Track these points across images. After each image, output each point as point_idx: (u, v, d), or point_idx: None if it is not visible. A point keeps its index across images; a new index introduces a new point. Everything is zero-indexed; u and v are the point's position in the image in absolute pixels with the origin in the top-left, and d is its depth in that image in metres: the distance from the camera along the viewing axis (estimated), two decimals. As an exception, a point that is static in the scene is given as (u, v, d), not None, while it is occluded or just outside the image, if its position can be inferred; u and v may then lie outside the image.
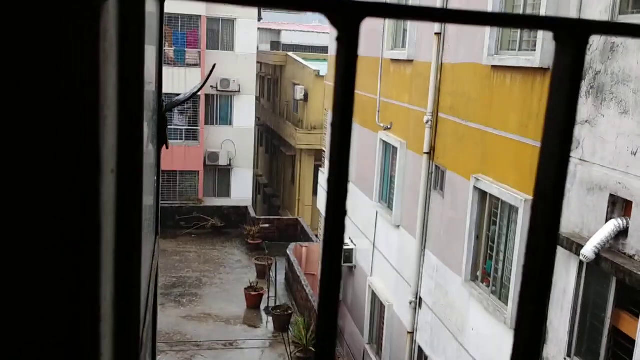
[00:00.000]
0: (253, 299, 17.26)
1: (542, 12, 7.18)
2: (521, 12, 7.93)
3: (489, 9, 8.37)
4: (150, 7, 1.25)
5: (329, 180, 0.45)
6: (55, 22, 0.41)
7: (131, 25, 0.60)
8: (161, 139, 1.57)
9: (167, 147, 1.63)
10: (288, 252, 18.92)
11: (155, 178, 1.57)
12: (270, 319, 16.48)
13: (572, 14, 6.62)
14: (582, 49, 0.47)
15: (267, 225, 22.63)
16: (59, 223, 0.43)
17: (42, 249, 0.44)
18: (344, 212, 0.46)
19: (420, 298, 10.72)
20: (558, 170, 0.49)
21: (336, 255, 0.47)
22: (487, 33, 8.42)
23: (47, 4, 0.41)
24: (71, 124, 0.42)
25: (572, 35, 0.46)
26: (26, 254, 0.44)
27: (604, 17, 6.18)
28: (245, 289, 17.48)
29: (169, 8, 23.98)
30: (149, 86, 1.33)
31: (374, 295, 12.99)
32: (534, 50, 7.47)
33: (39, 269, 0.45)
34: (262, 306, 17.33)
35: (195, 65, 24.79)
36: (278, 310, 16.30)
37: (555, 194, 0.48)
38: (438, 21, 0.44)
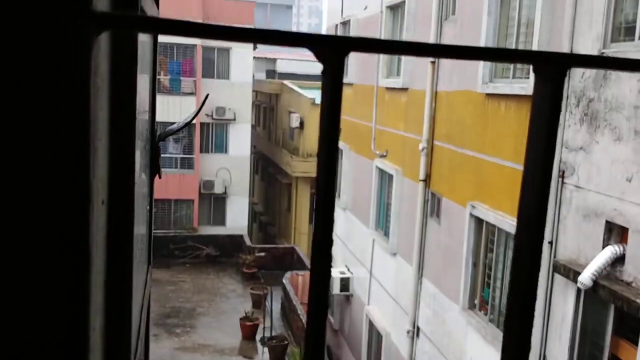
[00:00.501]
0: (248, 330, 17.06)
1: (535, 40, 7.29)
2: (514, 40, 8.05)
3: (482, 37, 8.50)
4: (144, 36, 1.27)
5: (316, 211, 0.45)
6: (46, 56, 0.42)
7: (123, 59, 0.61)
8: (154, 169, 1.58)
9: (159, 177, 1.64)
10: (284, 281, 18.79)
11: (148, 207, 1.57)
12: (266, 349, 16.26)
13: (565, 42, 6.73)
14: (560, 82, 0.48)
15: (262, 254, 22.51)
16: (48, 253, 0.44)
17: (29, 279, 0.44)
18: (330, 241, 0.46)
19: (418, 327, 10.62)
20: (539, 198, 0.50)
21: (323, 284, 0.48)
22: (481, 61, 8.53)
23: (37, 38, 0.42)
24: (61, 157, 0.43)
25: (551, 68, 0.48)
26: (13, 283, 0.44)
27: (596, 45, 6.28)
28: (241, 319, 17.29)
29: (164, 37, 24.25)
30: (142, 115, 1.35)
31: (371, 324, 12.87)
32: (528, 77, 7.56)
33: (25, 298, 0.45)
34: (258, 337, 17.12)
35: (190, 93, 24.94)
36: (274, 341, 16.11)
37: (537, 220, 0.48)
38: (420, 55, 0.45)
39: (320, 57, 0.44)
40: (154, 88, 1.70)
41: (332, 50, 0.43)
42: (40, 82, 0.43)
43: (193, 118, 2.49)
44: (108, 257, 0.63)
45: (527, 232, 0.48)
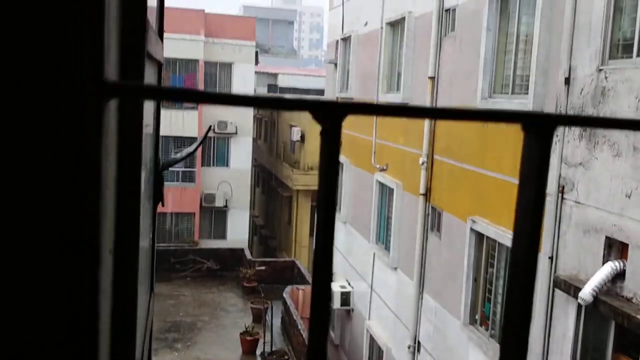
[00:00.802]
0: (249, 344, 16.98)
1: (534, 56, 7.33)
2: (513, 56, 8.11)
3: (481, 53, 8.55)
4: (148, 75, 1.30)
5: (314, 265, 0.47)
6: (60, 124, 0.44)
7: (130, 115, 0.63)
8: (157, 197, 1.60)
9: (162, 205, 1.66)
10: (284, 295, 18.73)
11: (151, 236, 1.59)
12: (267, 364, 16.17)
13: (563, 58, 6.77)
14: (548, 140, 0.50)
15: (263, 268, 22.46)
16: (56, 305, 0.45)
17: (37, 335, 0.46)
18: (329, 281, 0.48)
19: (419, 342, 10.58)
20: (528, 248, 0.52)
21: (324, 298, 0.50)
22: (480, 76, 8.58)
23: (53, 107, 0.44)
24: (72, 215, 0.45)
25: (539, 128, 0.50)
26: (20, 340, 0.46)
27: (594, 61, 6.32)
28: (241, 333, 17.22)
29: (167, 52, 24.38)
30: (147, 148, 1.37)
31: (371, 339, 12.81)
32: (527, 93, 7.60)
33: (34, 353, 0.47)
34: (258, 351, 17.04)
35: (192, 108, 25.04)
36: (274, 356, 16.03)
37: (527, 281, 0.50)
38: (413, 117, 0.47)
39: (319, 120, 0.47)
40: (159, 116, 1.72)
41: (330, 114, 0.46)
42: (53, 148, 0.45)
43: (195, 149, 2.52)
44: (113, 305, 0.65)
45: (518, 293, 0.50)
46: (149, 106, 1.38)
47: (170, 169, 25.46)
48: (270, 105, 0.45)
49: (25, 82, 0.43)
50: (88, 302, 0.46)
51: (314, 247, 0.48)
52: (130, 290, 0.71)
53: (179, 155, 2.53)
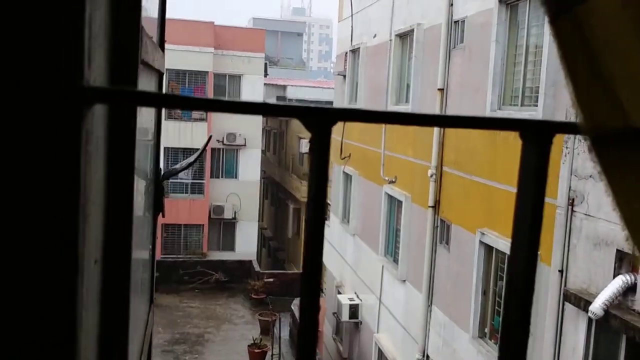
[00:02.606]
0: (257, 356, 16.90)
1: (544, 68, 7.30)
2: (522, 67, 8.08)
3: (490, 65, 8.54)
4: (149, 84, 1.30)
5: (302, 276, 0.46)
6: (37, 129, 0.43)
7: (121, 128, 0.63)
8: (157, 208, 1.60)
9: (163, 216, 1.65)
10: (292, 307, 18.65)
11: (151, 247, 1.58)
12: (275, 376, 16.09)
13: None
14: (546, 147, 0.49)
15: (271, 280, 22.42)
16: (34, 316, 0.44)
17: (13, 347, 0.45)
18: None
19: (428, 355, 10.48)
20: (528, 256, 0.50)
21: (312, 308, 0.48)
22: (490, 88, 8.56)
23: (30, 113, 0.43)
24: (49, 223, 0.44)
25: (537, 135, 0.49)
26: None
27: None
28: (249, 346, 17.15)
29: (176, 64, 24.56)
30: (146, 157, 1.37)
31: (380, 353, 12.71)
32: (536, 105, 7.57)
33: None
34: (266, 363, 16.96)
35: (201, 119, 25.17)
36: (282, 368, 15.95)
37: (525, 291, 0.48)
38: (405, 124, 0.46)
39: (309, 127, 0.46)
40: (160, 125, 1.72)
41: (320, 121, 0.45)
42: (31, 153, 0.44)
43: (196, 159, 2.52)
44: (102, 314, 0.64)
45: (516, 301, 0.48)
46: (149, 116, 1.38)
47: (179, 180, 25.58)
48: (259, 111, 0.44)
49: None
50: (67, 312, 0.45)
51: (302, 257, 0.47)
52: (121, 301, 0.69)
53: (178, 166, 2.53)
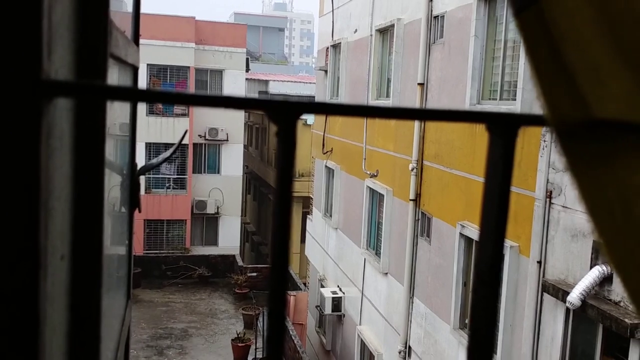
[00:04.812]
0: (240, 351, 16.90)
1: (521, 62, 7.38)
2: (501, 62, 8.15)
3: (470, 60, 8.59)
4: (123, 79, 1.29)
5: (271, 269, 0.46)
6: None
7: (88, 122, 0.62)
8: (133, 203, 1.58)
9: (139, 211, 1.64)
10: (276, 301, 18.62)
11: (127, 242, 1.57)
12: (258, 370, 16.10)
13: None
14: (512, 139, 0.50)
15: (254, 274, 22.39)
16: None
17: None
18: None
19: (410, 347, 10.57)
20: (495, 246, 0.51)
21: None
22: (469, 83, 8.62)
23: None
24: (7, 215, 0.43)
25: (503, 127, 0.49)
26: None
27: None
28: (232, 340, 17.14)
29: (158, 59, 24.36)
30: (122, 151, 1.36)
31: (363, 345, 12.79)
32: (515, 99, 7.64)
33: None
34: (250, 357, 16.96)
35: (183, 115, 24.99)
36: (266, 362, 15.95)
37: (493, 279, 0.49)
38: (371, 117, 0.46)
39: (274, 119, 0.46)
40: (135, 120, 1.71)
41: (284, 113, 0.45)
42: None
43: (172, 154, 2.50)
44: (72, 310, 0.63)
45: (483, 290, 0.49)
46: (123, 111, 1.36)
47: (161, 176, 25.39)
48: (224, 104, 0.44)
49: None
50: (28, 305, 0.45)
51: (269, 251, 0.47)
52: (92, 297, 0.69)
53: (155, 161, 2.52)
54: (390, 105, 0.46)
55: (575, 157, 0.48)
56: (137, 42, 1.56)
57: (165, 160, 2.73)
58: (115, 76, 1.06)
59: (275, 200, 0.46)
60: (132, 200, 1.54)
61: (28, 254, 0.44)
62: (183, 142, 24.57)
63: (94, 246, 0.67)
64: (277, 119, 0.44)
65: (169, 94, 0.42)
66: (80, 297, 0.65)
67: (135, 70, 1.55)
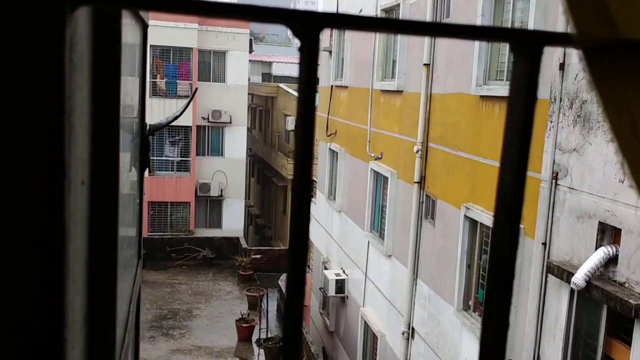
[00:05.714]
0: (244, 331, 17.04)
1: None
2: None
3: (476, 46, 8.52)
4: (134, 36, 1.27)
5: (293, 189, 0.45)
6: (17, 33, 0.42)
7: (106, 39, 0.61)
8: (144, 162, 1.58)
9: (150, 172, 1.64)
10: (280, 282, 18.77)
11: (138, 200, 1.57)
12: (262, 351, 16.24)
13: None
14: (537, 59, 0.48)
15: (258, 256, 22.49)
16: (20, 231, 0.43)
17: (3, 257, 0.44)
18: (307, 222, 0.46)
19: (413, 328, 10.62)
20: (516, 179, 0.50)
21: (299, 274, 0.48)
22: (475, 64, 8.56)
23: (8, 15, 0.42)
24: (35, 130, 0.43)
25: (527, 46, 0.48)
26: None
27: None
28: (237, 320, 17.27)
29: (161, 40, 24.24)
30: (131, 110, 1.35)
31: (366, 326, 12.86)
32: (521, 80, 7.57)
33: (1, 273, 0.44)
34: (254, 338, 17.10)
35: (186, 96, 24.92)
36: (270, 342, 16.08)
37: (514, 203, 0.48)
38: (397, 33, 0.45)
39: (296, 33, 0.45)
40: (144, 81, 1.70)
41: (308, 26, 0.44)
42: (11, 58, 0.43)
43: (182, 112, 2.50)
44: (91, 235, 0.63)
45: (504, 216, 0.48)
46: (131, 66, 1.35)
47: (165, 158, 25.40)
48: (241, 16, 0.43)
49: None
50: (55, 221, 0.44)
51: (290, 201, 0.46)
52: (110, 226, 0.68)
53: (164, 120, 2.51)
54: (415, 20, 0.45)
55: (599, 75, 0.48)
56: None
57: (175, 118, 2.73)
58: (128, 33, 1.04)
59: (296, 121, 0.45)
60: (143, 160, 1.54)
61: (54, 169, 0.43)
62: (185, 123, 24.51)
63: (110, 171, 0.67)
64: (300, 31, 0.43)
65: (191, 2, 0.41)
66: (98, 226, 0.64)
67: (145, 27, 1.54)
